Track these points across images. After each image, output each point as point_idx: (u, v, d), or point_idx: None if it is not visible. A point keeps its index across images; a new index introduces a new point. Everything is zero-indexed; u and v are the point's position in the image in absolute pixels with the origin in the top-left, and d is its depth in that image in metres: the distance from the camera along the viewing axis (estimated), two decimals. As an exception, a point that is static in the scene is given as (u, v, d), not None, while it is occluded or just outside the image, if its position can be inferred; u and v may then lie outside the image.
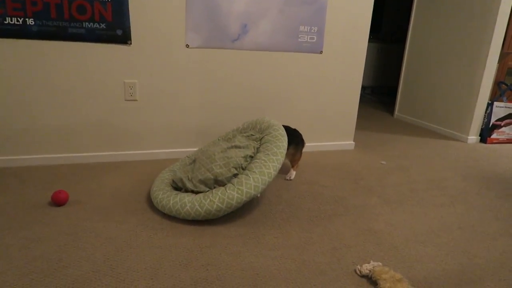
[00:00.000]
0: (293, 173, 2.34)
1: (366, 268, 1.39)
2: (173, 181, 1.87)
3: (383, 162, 2.77)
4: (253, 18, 2.45)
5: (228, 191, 1.63)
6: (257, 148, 1.87)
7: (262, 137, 1.91)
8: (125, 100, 2.37)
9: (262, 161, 1.72)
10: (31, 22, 2.07)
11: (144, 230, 1.62)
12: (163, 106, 2.47)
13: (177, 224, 1.69)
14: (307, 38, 2.63)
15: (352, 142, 3.06)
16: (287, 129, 2.30)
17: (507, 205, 2.12)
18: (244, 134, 1.99)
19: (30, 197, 1.87)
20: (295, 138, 2.32)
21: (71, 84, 2.25)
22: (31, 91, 2.20)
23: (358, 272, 1.40)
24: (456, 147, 3.33)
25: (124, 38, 2.25)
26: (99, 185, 2.06)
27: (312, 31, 2.62)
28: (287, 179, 2.31)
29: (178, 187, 1.83)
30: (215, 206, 1.61)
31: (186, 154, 2.59)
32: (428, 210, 2.00)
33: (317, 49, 2.68)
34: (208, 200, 1.63)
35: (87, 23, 2.15)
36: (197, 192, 1.73)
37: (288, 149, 2.18)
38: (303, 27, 2.59)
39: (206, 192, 1.70)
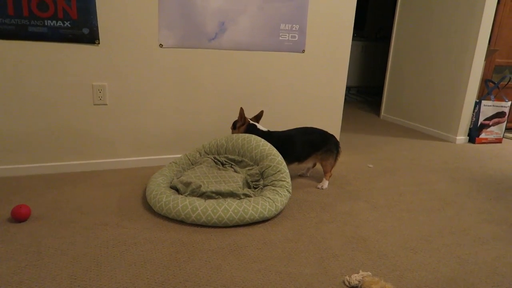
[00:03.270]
0: (325, 183, 2.33)
1: (355, 278, 1.39)
2: (181, 183, 1.94)
3: (370, 165, 2.80)
4: (231, 15, 2.45)
5: (248, 204, 1.81)
6: (260, 175, 2.09)
7: (263, 171, 2.07)
8: (94, 104, 2.32)
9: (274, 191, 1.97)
10: (-14, 20, 2.01)
11: (115, 246, 1.58)
12: (135, 110, 2.42)
13: (152, 238, 1.65)
14: (288, 36, 2.63)
15: (338, 145, 3.08)
16: (319, 132, 2.34)
17: (499, 207, 2.17)
18: (237, 167, 2.15)
19: (-13, 213, 1.79)
20: (327, 143, 2.31)
21: (32, 88, 2.18)
22: (-12, 96, 2.12)
23: (346, 283, 1.39)
24: (444, 148, 3.40)
25: (92, 38, 2.20)
26: (64, 198, 2.00)
27: (294, 29, 2.63)
28: (318, 188, 2.31)
29: (180, 191, 1.93)
30: (239, 214, 1.78)
31: (160, 162, 2.55)
32: (417, 214, 2.02)
33: (299, 48, 2.69)
34: (243, 207, 1.80)
35: (49, 21, 2.10)
36: (206, 198, 1.87)
37: (317, 153, 2.32)
38: (284, 25, 2.60)
39: (217, 199, 1.86)
